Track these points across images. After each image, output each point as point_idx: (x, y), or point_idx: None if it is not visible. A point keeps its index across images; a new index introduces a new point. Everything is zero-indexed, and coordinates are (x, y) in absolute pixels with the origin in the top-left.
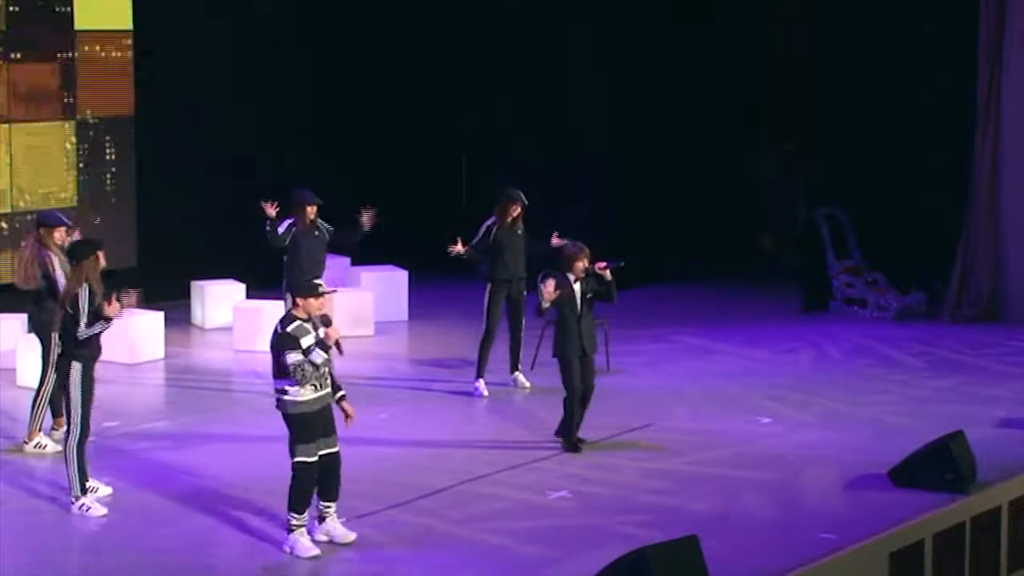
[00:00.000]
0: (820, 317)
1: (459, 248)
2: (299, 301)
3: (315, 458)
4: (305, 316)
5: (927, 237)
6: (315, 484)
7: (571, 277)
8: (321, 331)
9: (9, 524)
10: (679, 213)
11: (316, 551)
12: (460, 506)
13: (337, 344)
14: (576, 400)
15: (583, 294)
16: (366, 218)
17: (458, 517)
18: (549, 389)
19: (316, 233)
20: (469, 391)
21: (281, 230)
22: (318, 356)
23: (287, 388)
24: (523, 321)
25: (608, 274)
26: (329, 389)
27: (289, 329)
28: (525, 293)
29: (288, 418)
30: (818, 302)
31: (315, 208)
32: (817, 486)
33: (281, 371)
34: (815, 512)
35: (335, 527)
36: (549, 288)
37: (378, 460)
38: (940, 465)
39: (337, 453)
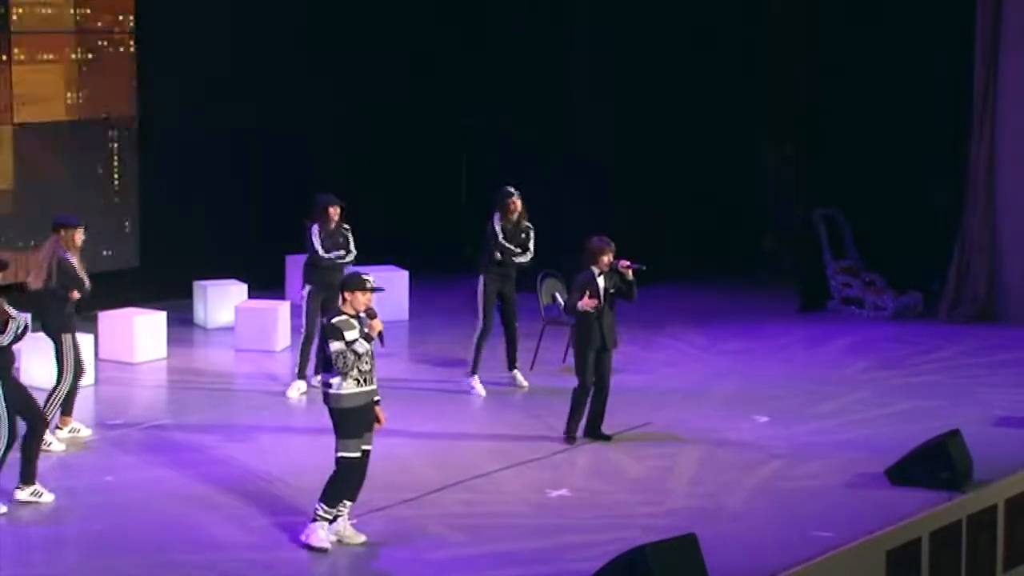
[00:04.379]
0: (817, 317)
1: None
2: (347, 295)
3: (358, 453)
4: (352, 312)
5: (924, 237)
6: (357, 481)
7: (595, 271)
8: (366, 326)
9: (13, 522)
10: (678, 213)
11: (327, 546)
12: (460, 505)
13: (380, 336)
14: (585, 393)
15: (606, 289)
16: None
17: (458, 516)
18: (549, 389)
19: (344, 228)
20: (468, 390)
21: (316, 241)
22: (360, 346)
23: (331, 381)
24: (516, 317)
25: (630, 274)
26: (374, 386)
27: (334, 321)
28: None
29: (332, 412)
30: (815, 302)
31: (338, 210)
32: (814, 484)
33: (326, 363)
34: (812, 510)
35: (346, 528)
36: (587, 301)
37: (378, 459)
38: (937, 463)
39: (369, 452)
